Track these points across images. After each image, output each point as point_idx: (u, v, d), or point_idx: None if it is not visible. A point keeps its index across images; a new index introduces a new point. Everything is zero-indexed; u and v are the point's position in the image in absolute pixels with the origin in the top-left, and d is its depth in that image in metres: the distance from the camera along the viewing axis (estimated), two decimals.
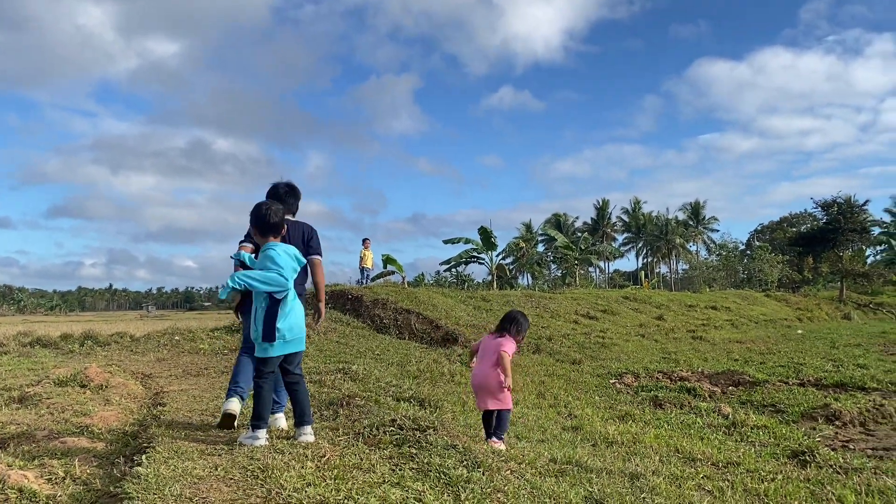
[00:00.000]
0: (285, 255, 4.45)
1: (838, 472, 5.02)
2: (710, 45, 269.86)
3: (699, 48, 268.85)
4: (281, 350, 4.43)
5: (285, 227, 4.74)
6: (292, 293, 4.47)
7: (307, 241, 5.27)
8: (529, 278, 62.76)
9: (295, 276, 4.51)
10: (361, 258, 21.91)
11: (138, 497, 3.09)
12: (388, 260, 30.39)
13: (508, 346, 5.19)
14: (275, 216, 4.51)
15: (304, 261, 4.79)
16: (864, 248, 54.50)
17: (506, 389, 5.13)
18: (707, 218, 79.10)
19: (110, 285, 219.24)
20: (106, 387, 7.21)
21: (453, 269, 50.21)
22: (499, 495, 3.56)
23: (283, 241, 4.68)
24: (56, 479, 3.85)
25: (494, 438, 5.21)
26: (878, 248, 57.64)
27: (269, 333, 4.35)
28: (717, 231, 78.75)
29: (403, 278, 29.43)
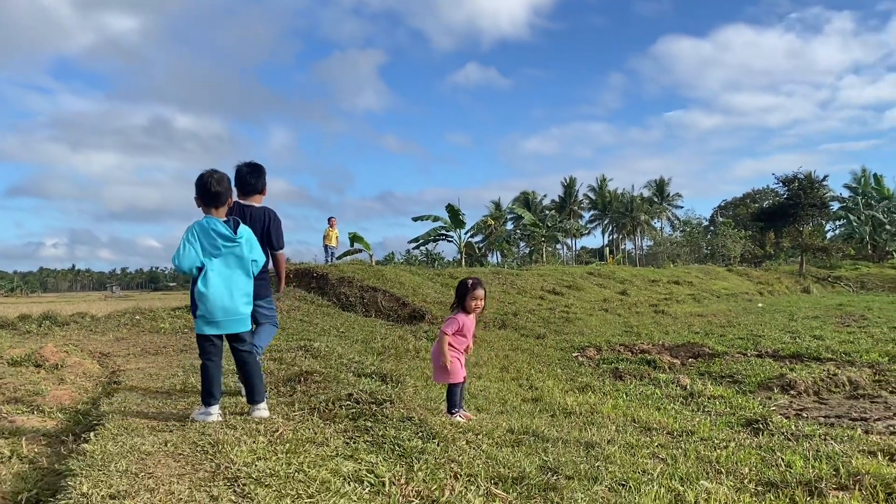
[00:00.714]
0: (194, 241, 4.31)
1: (789, 439, 5.12)
2: (675, 22, 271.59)
3: (663, 25, 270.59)
4: (210, 330, 4.34)
5: (231, 200, 4.61)
6: (207, 276, 4.30)
7: (267, 234, 5.34)
8: (498, 256, 63.02)
9: (200, 261, 4.32)
10: (325, 237, 21.77)
11: (82, 473, 3.03)
12: (354, 238, 30.23)
13: (446, 326, 5.28)
14: (216, 185, 4.34)
15: (259, 250, 4.69)
16: (823, 223, 55.63)
17: (447, 365, 5.19)
18: (672, 195, 79.98)
19: (73, 266, 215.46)
20: (61, 366, 7.07)
21: (422, 248, 50.21)
22: (452, 465, 3.56)
23: (238, 220, 4.53)
24: (2, 458, 3.76)
25: (448, 413, 5.23)
26: (837, 222, 58.91)
27: (193, 310, 4.37)
28: (682, 208, 79.74)
29: (371, 256, 29.34)
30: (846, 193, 57.67)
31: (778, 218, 46.01)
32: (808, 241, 43.28)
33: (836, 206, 53.93)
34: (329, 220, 22.15)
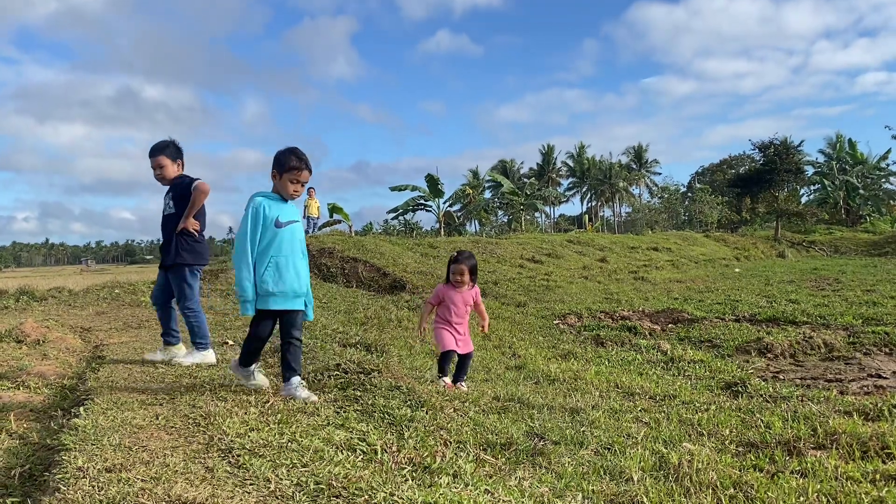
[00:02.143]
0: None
1: (768, 401, 5.25)
2: None
3: None
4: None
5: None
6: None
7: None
8: (477, 225, 63.08)
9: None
10: (306, 207, 21.66)
11: (76, 448, 3.05)
12: (334, 209, 30.13)
13: (431, 296, 5.72)
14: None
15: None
16: (798, 188, 56.24)
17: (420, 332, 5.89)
18: (649, 161, 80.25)
19: (47, 240, 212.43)
20: (43, 342, 7.03)
21: (401, 217, 50.11)
22: (442, 432, 3.62)
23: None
24: None
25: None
26: (812, 187, 59.59)
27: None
28: (660, 174, 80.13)
29: (350, 227, 29.29)
30: (821, 159, 58.28)
31: (754, 184, 46.41)
32: (784, 206, 43.77)
33: (811, 171, 54.52)
34: (308, 190, 22.02)
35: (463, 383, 5.54)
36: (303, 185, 4.40)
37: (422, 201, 41.71)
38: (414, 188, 40.34)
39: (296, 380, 4.26)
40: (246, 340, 4.41)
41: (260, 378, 4.49)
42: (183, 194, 5.59)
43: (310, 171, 4.41)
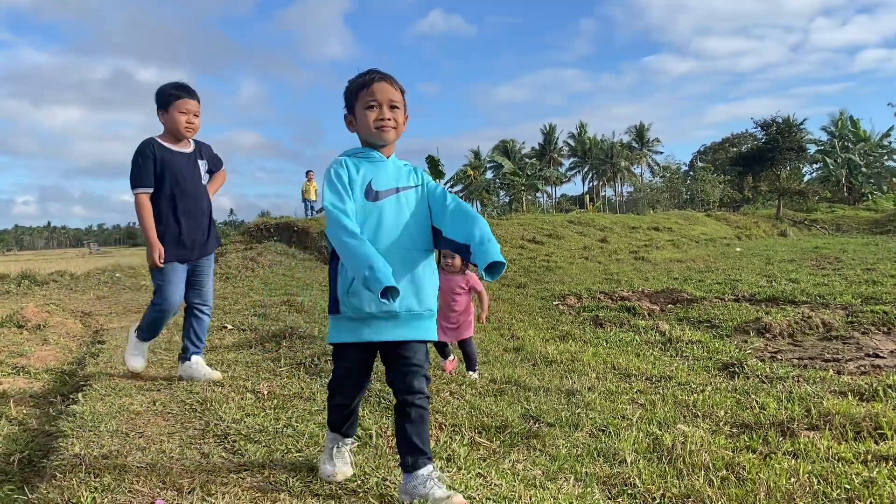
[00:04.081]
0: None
1: (764, 382, 5.27)
2: None
3: None
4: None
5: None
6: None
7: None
8: (478, 206, 63.03)
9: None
10: (304, 191, 21.63)
11: (73, 434, 3.08)
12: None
13: None
14: None
15: None
16: (800, 166, 56.02)
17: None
18: (651, 140, 79.95)
19: (48, 223, 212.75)
20: (44, 326, 7.07)
21: None
22: (437, 416, 3.65)
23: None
24: None
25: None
26: (814, 166, 59.36)
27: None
28: (661, 153, 79.85)
29: None
30: (823, 137, 58.04)
31: (756, 162, 46.24)
32: (786, 184, 43.61)
33: (813, 149, 54.31)
34: (307, 173, 21.99)
35: (474, 372, 5.26)
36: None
37: None
38: None
39: (426, 471, 2.50)
40: (330, 383, 2.76)
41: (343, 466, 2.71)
42: (213, 164, 4.48)
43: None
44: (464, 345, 5.39)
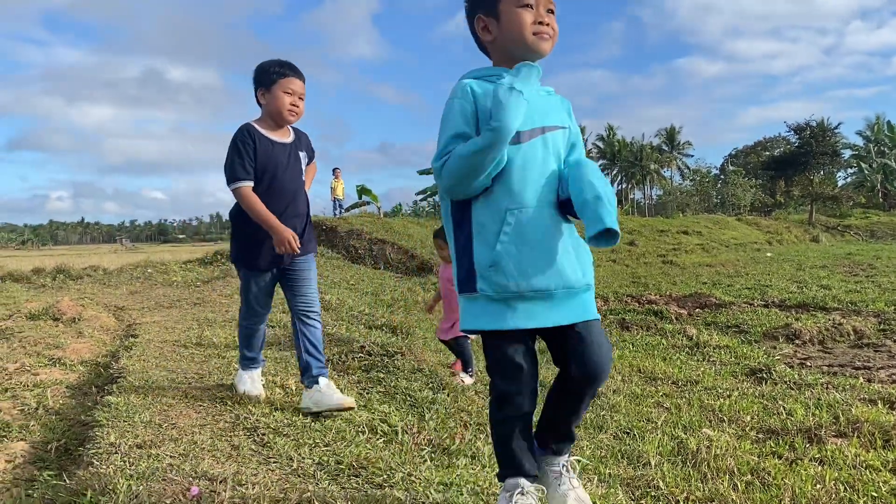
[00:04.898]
0: None
1: (792, 388, 5.23)
2: None
3: None
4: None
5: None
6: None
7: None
8: None
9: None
10: (332, 189, 21.78)
11: (108, 424, 3.16)
12: (362, 190, 30.20)
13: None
14: None
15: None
16: (834, 171, 55.15)
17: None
18: (682, 143, 79.26)
19: (82, 219, 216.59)
20: (78, 320, 7.23)
21: (430, 199, 50.16)
22: (462, 415, 3.69)
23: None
24: (28, 409, 3.90)
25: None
26: (849, 170, 58.41)
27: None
28: (692, 156, 79.11)
29: (379, 208, 29.37)
30: (858, 141, 57.09)
31: (789, 166, 45.64)
32: (819, 189, 42.98)
33: (847, 153, 53.44)
34: (334, 170, 22.13)
35: (466, 374, 4.91)
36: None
37: None
38: None
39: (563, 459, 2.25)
40: (491, 403, 2.16)
41: None
42: (310, 155, 3.92)
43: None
44: (457, 344, 5.07)
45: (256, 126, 3.59)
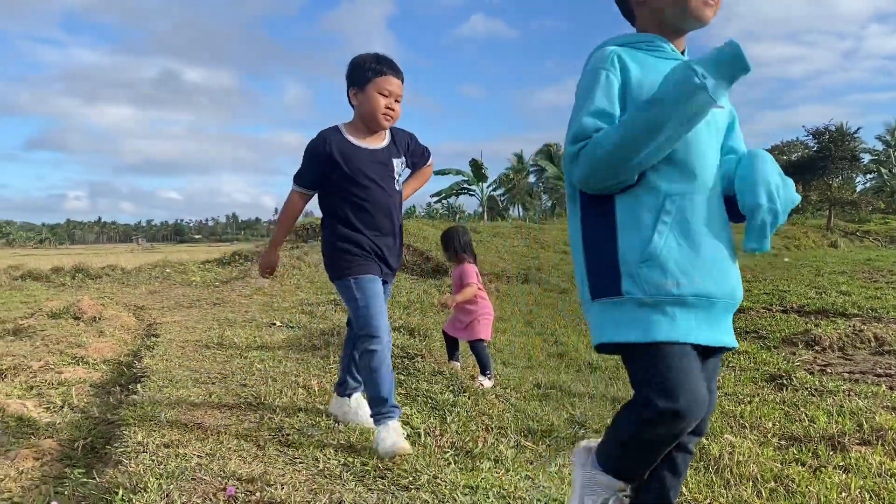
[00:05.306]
0: None
1: (813, 395, 5.19)
2: None
3: None
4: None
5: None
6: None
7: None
8: (521, 209, 62.83)
9: None
10: None
11: (135, 423, 3.20)
12: None
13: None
14: None
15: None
16: (853, 176, 54.66)
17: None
18: None
19: (99, 218, 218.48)
20: (99, 319, 7.30)
21: (444, 201, 50.26)
22: (483, 418, 3.70)
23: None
24: (54, 407, 3.96)
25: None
26: (868, 175, 57.88)
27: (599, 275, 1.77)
28: None
29: None
30: (879, 146, 56.56)
31: (807, 171, 45.17)
32: (837, 194, 42.58)
33: (867, 158, 52.94)
34: None
35: (485, 377, 4.73)
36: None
37: (465, 185, 41.71)
38: (458, 172, 40.40)
39: None
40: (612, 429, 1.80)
41: None
42: (416, 158, 3.48)
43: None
44: (472, 347, 4.95)
45: (343, 130, 3.18)
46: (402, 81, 3.18)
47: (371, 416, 3.10)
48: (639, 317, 1.66)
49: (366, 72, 3.11)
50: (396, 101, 3.15)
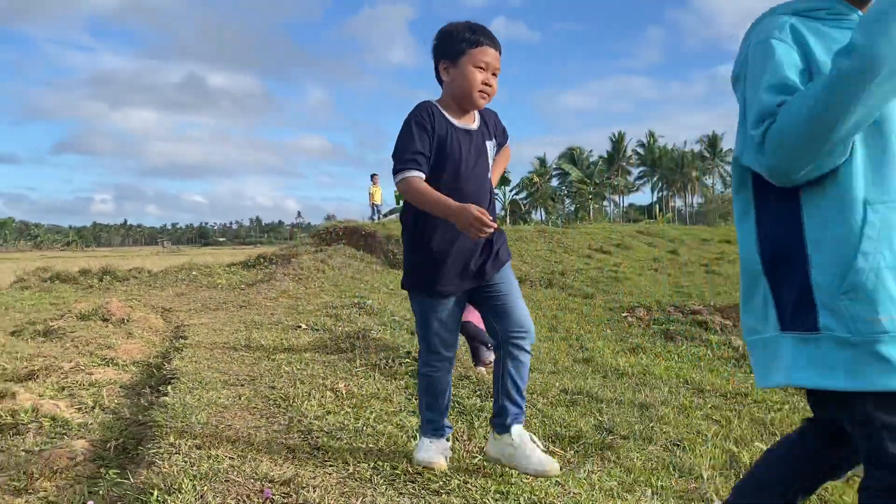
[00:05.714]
0: None
1: None
2: None
3: None
4: None
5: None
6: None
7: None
8: (543, 213, 62.71)
9: None
10: (370, 194, 21.90)
11: (166, 425, 3.23)
12: (400, 196, 30.30)
13: None
14: None
15: None
16: None
17: None
18: (724, 150, 78.16)
19: (125, 221, 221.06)
20: (127, 321, 7.39)
21: None
22: None
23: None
24: (86, 408, 4.01)
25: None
26: None
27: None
28: None
29: None
30: None
31: None
32: None
33: None
34: (372, 176, 22.22)
35: (488, 353, 4.99)
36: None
37: None
38: None
39: None
40: None
41: None
42: (501, 141, 3.07)
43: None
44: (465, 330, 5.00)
45: (440, 108, 2.77)
46: (500, 53, 2.77)
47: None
48: (842, 359, 1.35)
49: (459, 43, 2.70)
50: (494, 74, 2.74)
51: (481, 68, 2.67)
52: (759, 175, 1.46)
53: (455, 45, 2.70)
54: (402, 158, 2.65)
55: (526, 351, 2.83)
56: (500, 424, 2.78)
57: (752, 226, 1.52)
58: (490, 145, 2.90)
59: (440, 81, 2.79)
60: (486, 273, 2.79)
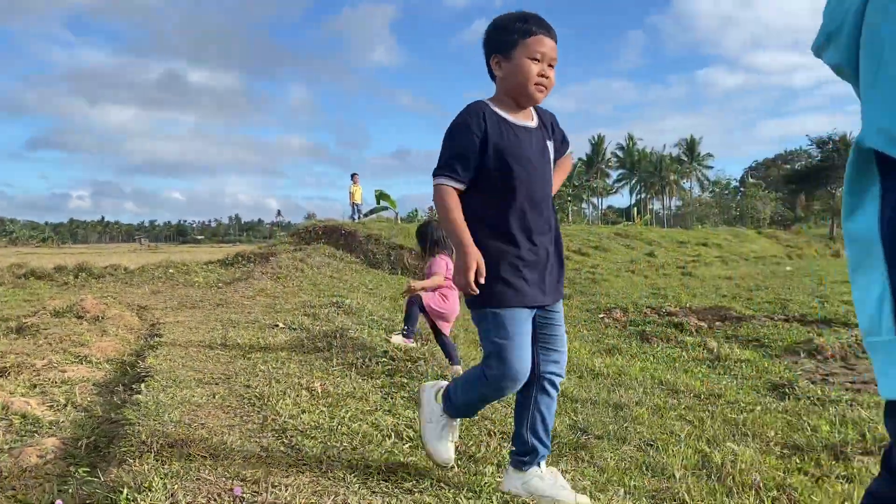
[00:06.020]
0: None
1: (815, 404, 5.19)
2: None
3: None
4: None
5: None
6: None
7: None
8: None
9: None
10: (351, 194, 21.89)
11: (138, 423, 3.21)
12: (381, 195, 30.26)
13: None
14: None
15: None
16: None
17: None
18: (702, 154, 78.89)
19: (102, 218, 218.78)
20: (102, 318, 7.32)
21: None
22: (486, 422, 3.70)
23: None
24: (58, 406, 3.97)
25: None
26: None
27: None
28: (712, 168, 78.72)
29: (396, 214, 29.44)
30: None
31: (810, 180, 45.29)
32: (840, 204, 42.69)
33: None
34: (352, 176, 22.25)
35: (401, 337, 5.80)
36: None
37: None
38: None
39: None
40: None
41: None
42: (562, 145, 2.81)
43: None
44: (440, 338, 5.50)
45: (493, 105, 2.56)
46: (556, 42, 2.56)
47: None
48: None
49: (511, 34, 2.50)
50: (550, 65, 2.53)
51: (536, 59, 2.48)
52: (885, 157, 1.11)
53: (507, 36, 2.51)
54: (440, 163, 2.50)
55: (557, 390, 2.71)
56: (526, 463, 2.62)
57: (877, 200, 1.16)
58: (550, 146, 2.67)
59: (493, 78, 2.61)
60: (556, 296, 2.63)
